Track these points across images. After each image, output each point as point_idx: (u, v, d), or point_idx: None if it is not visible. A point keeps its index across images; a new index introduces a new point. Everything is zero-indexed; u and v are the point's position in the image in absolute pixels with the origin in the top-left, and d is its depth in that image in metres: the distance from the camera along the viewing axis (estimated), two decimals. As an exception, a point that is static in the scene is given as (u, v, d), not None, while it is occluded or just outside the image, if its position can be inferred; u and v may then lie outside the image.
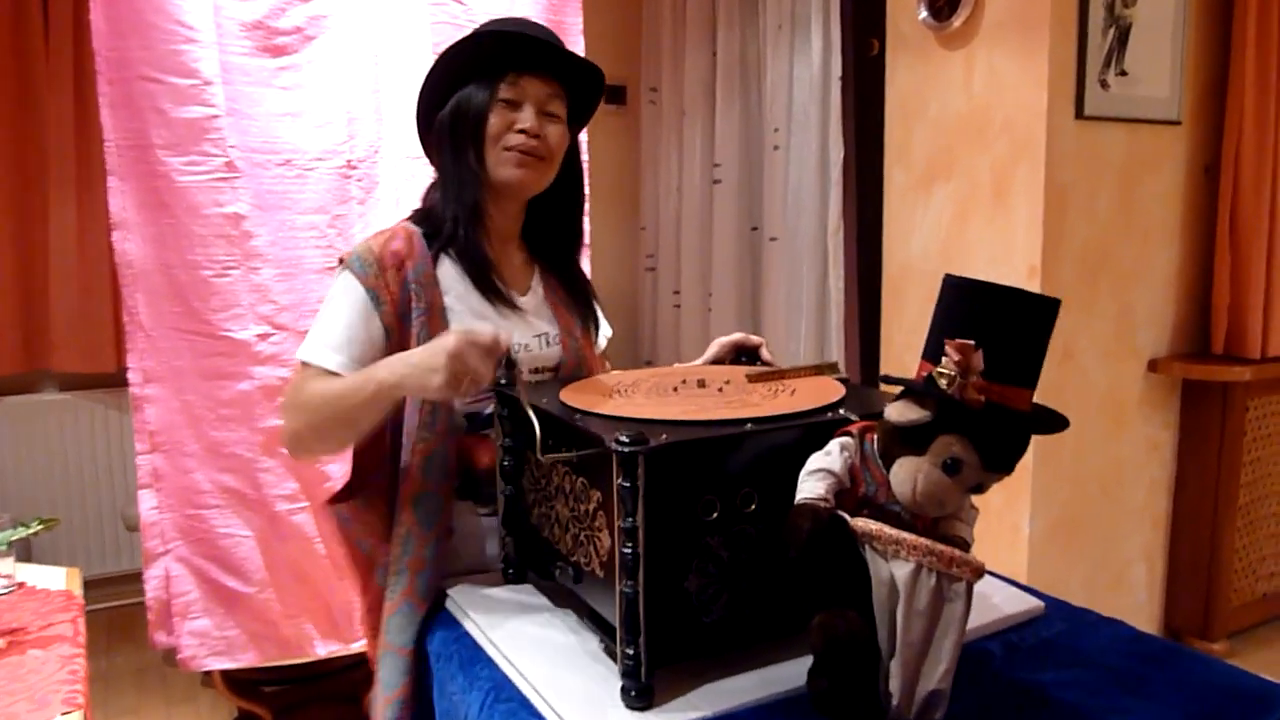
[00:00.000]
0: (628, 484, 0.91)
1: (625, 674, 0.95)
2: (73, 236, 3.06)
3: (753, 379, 1.22)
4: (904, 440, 0.91)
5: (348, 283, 1.28)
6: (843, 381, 1.22)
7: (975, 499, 0.94)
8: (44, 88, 2.97)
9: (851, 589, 0.90)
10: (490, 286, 1.34)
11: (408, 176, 2.10)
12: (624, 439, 0.90)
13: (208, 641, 2.06)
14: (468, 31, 1.39)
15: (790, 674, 0.99)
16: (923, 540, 0.86)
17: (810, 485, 0.93)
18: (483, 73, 1.32)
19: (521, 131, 1.31)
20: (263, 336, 1.99)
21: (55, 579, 1.92)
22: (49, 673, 1.46)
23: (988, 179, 2.50)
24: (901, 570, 0.87)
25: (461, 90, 1.33)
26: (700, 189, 3.49)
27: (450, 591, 1.28)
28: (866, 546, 0.90)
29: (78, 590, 1.89)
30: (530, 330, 1.38)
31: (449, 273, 1.33)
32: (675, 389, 1.19)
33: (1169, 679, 1.01)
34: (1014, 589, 1.23)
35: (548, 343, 1.40)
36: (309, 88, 2.03)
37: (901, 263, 2.77)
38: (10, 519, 1.67)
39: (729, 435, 0.97)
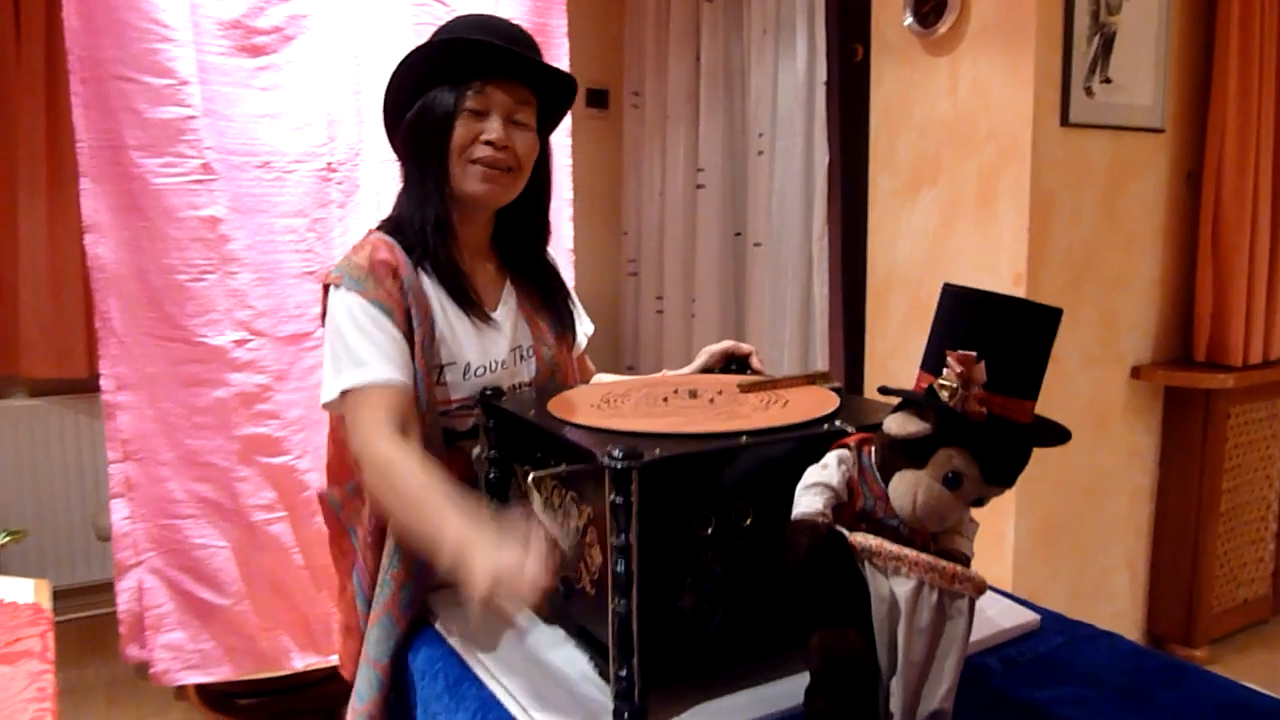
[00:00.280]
0: (621, 500, 0.88)
1: (618, 696, 0.92)
2: (43, 239, 2.99)
3: (745, 388, 1.20)
4: (904, 453, 0.89)
5: (352, 302, 1.21)
6: (835, 391, 1.20)
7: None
8: (14, 86, 2.90)
9: (850, 606, 0.88)
10: (467, 302, 1.30)
11: (389, 180, 2.06)
12: (617, 454, 0.87)
13: (182, 655, 2.01)
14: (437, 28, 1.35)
15: (785, 692, 0.97)
16: (924, 556, 0.84)
17: (808, 500, 0.90)
18: (448, 78, 1.27)
19: (488, 143, 1.27)
20: (239, 343, 1.94)
21: (23, 591, 1.87)
22: (16, 690, 1.41)
23: (973, 185, 2.49)
24: (902, 587, 0.85)
25: (427, 95, 1.28)
26: (683, 194, 3.46)
27: (434, 606, 1.25)
28: (866, 563, 0.87)
29: (47, 603, 1.83)
30: (506, 345, 1.35)
31: (428, 285, 1.29)
32: (665, 399, 1.16)
33: (1172, 697, 0.99)
34: (1008, 601, 1.22)
35: (522, 356, 1.37)
36: (288, 88, 1.99)
37: (886, 269, 2.76)
38: (-24, 530, 1.62)
39: (724, 449, 0.95)
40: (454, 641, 1.16)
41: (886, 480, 0.90)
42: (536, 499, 1.01)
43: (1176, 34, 2.62)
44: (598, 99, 3.77)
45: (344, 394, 1.19)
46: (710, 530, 0.93)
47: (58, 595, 3.03)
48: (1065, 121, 2.39)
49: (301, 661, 2.10)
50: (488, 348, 1.32)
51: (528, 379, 1.37)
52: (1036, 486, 2.48)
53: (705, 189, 3.34)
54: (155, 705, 2.64)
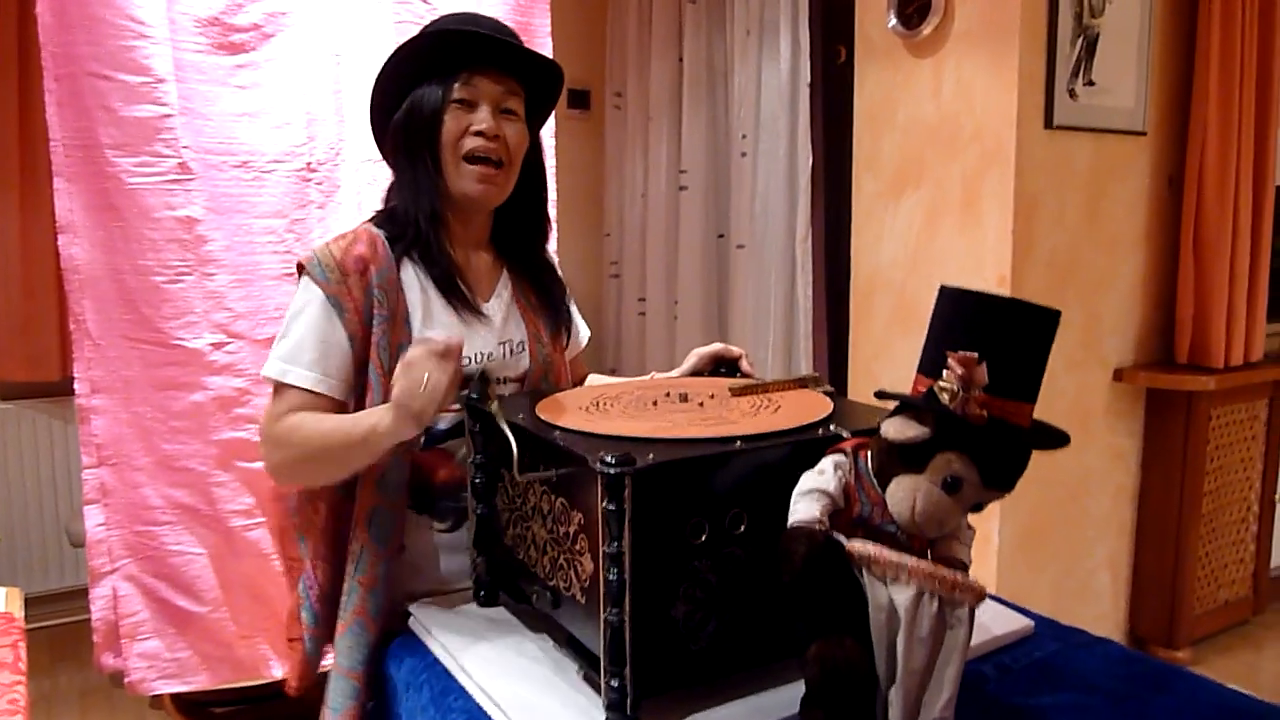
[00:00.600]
0: (613, 507, 0.86)
1: (610, 706, 0.90)
2: (16, 239, 2.93)
3: (736, 392, 1.18)
4: (902, 458, 0.87)
5: (310, 292, 1.23)
6: (828, 394, 1.18)
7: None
8: (-14, 84, 2.85)
9: (847, 615, 0.86)
10: (454, 292, 1.28)
11: (369, 180, 2.03)
12: (609, 459, 0.85)
13: (158, 664, 1.97)
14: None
15: (781, 702, 0.95)
16: (925, 564, 0.83)
17: (804, 506, 0.89)
18: (436, 72, 1.27)
19: (479, 133, 1.26)
20: (217, 345, 1.90)
21: (-6, 600, 1.83)
22: (-13, 702, 1.38)
23: (957, 187, 2.49)
24: (901, 595, 0.83)
25: (415, 90, 1.27)
26: (666, 195, 3.45)
27: (415, 613, 1.23)
28: (864, 571, 0.86)
29: (19, 612, 1.79)
30: (496, 338, 1.33)
31: (411, 277, 1.27)
32: (656, 403, 1.14)
33: (1166, 702, 0.98)
34: (1001, 607, 1.21)
35: (513, 350, 1.35)
36: (267, 87, 1.95)
37: (870, 271, 2.75)
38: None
39: (718, 454, 0.93)
40: (439, 652, 1.13)
41: (884, 485, 0.89)
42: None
43: (1158, 37, 2.63)
44: (580, 99, 3.75)
45: (276, 383, 1.24)
46: (704, 537, 0.91)
47: (30, 602, 2.98)
48: (1049, 124, 2.40)
49: (280, 670, 2.05)
50: (475, 340, 1.30)
51: (517, 374, 1.35)
52: (1021, 488, 2.44)
53: (688, 190, 3.33)
54: (130, 714, 2.59)
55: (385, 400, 1.19)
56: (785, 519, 0.89)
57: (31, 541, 3.10)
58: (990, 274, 2.42)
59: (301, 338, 1.22)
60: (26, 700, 1.46)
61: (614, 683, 0.89)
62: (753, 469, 0.95)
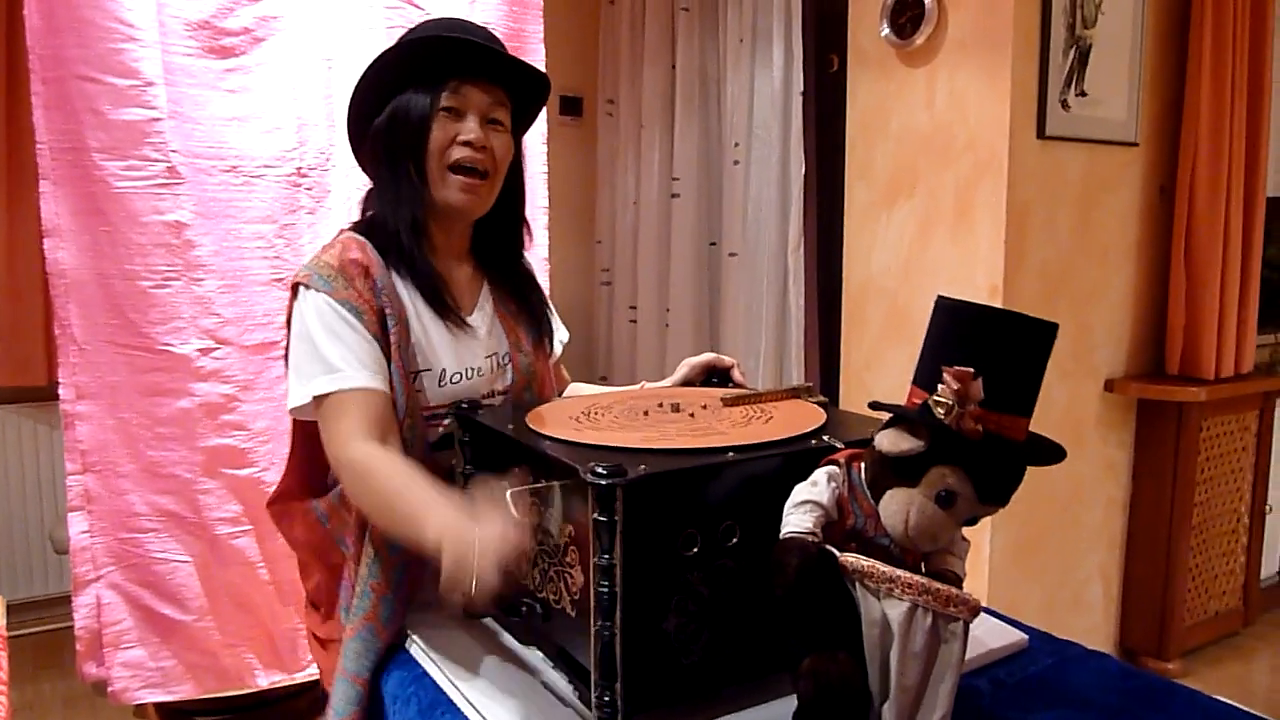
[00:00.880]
0: (604, 518, 0.85)
1: (600, 721, 0.89)
2: (2, 243, 2.91)
3: (728, 402, 1.17)
4: (895, 471, 0.86)
5: (321, 303, 1.17)
6: (820, 405, 1.17)
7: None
8: (-27, 86, 2.83)
9: (841, 629, 0.85)
10: (442, 305, 1.26)
11: (360, 185, 1.98)
12: (601, 470, 0.84)
13: (141, 673, 1.95)
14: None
15: (773, 716, 0.94)
16: (918, 578, 0.82)
17: (797, 519, 0.88)
18: (422, 79, 1.23)
19: (466, 144, 1.23)
20: (204, 351, 1.89)
21: (-25, 608, 1.80)
22: (-34, 713, 1.36)
23: (950, 197, 2.49)
24: (895, 610, 0.82)
25: (399, 97, 1.24)
26: (658, 203, 3.44)
27: (407, 627, 1.21)
28: (857, 584, 0.84)
29: (0, 619, 1.77)
30: (482, 351, 1.31)
31: (401, 288, 1.25)
32: (647, 413, 1.13)
33: (1161, 718, 0.97)
34: (995, 620, 1.20)
35: (499, 363, 1.33)
36: (257, 91, 1.94)
37: (862, 280, 2.75)
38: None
39: (710, 465, 0.92)
40: (428, 664, 1.11)
41: (877, 498, 0.88)
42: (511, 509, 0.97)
43: (1151, 48, 2.64)
44: (572, 107, 3.74)
45: (317, 400, 1.15)
46: (696, 549, 0.90)
47: (14, 609, 2.95)
48: (1041, 134, 2.40)
49: (266, 679, 2.04)
50: (464, 354, 1.28)
51: (504, 387, 1.33)
52: (1013, 500, 2.46)
53: (680, 198, 3.32)
54: (114, 724, 2.57)
55: (407, 400, 1.18)
56: (778, 531, 0.88)
57: (15, 548, 3.07)
58: (982, 284, 2.42)
59: (331, 347, 1.15)
60: (7, 710, 1.43)
61: (605, 697, 0.88)
62: (745, 480, 0.93)
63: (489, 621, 1.19)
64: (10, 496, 3.05)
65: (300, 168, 1.99)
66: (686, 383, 1.39)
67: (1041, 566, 2.61)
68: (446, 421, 1.23)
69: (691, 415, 1.11)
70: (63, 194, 1.80)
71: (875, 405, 0.91)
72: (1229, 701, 1.02)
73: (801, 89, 2.85)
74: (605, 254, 3.76)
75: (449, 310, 1.27)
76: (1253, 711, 0.99)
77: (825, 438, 1.00)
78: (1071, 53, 2.42)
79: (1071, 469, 2.64)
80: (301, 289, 1.20)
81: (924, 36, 2.48)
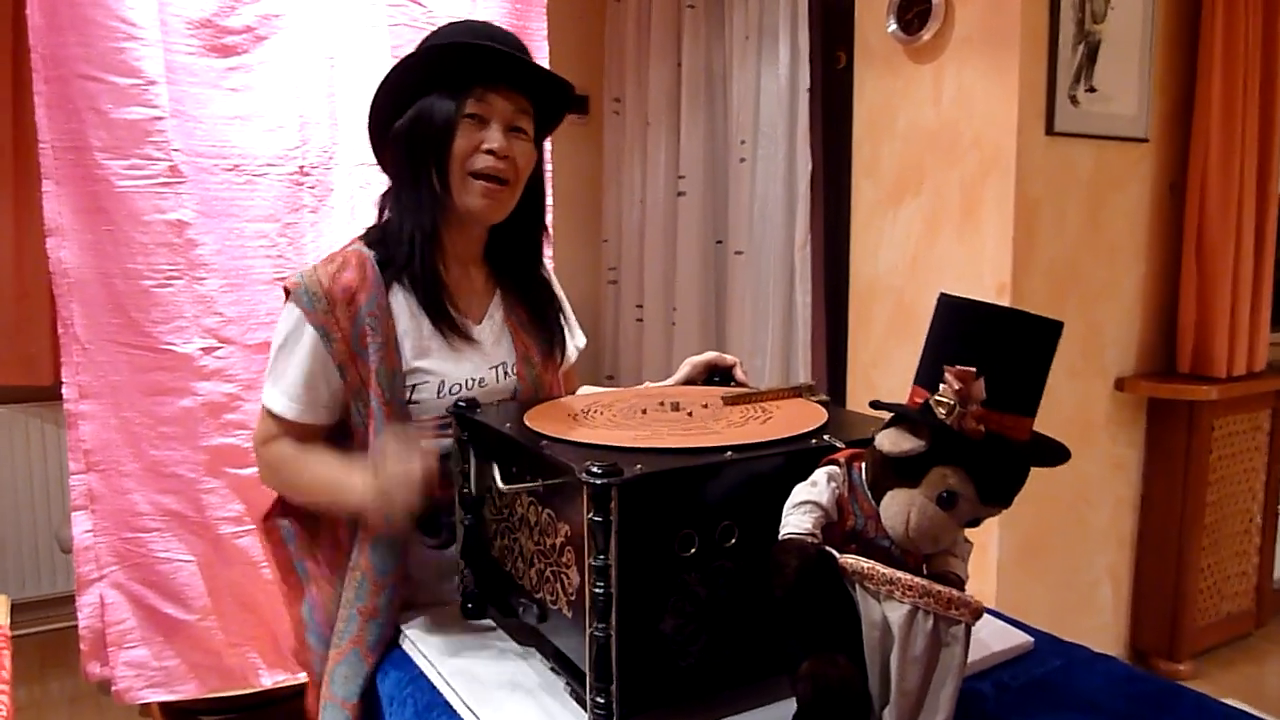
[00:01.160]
0: (599, 518, 0.83)
1: (595, 724, 0.87)
2: (9, 242, 2.92)
3: (729, 401, 1.16)
4: (896, 471, 0.85)
5: (295, 320, 1.20)
6: (822, 404, 1.16)
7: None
8: (-20, 86, 2.84)
9: (840, 631, 0.83)
10: (444, 319, 1.25)
11: (362, 184, 2.02)
12: (595, 469, 0.83)
13: (145, 672, 1.94)
14: (427, 34, 1.30)
15: (771, 718, 0.93)
16: (918, 580, 0.80)
17: (796, 519, 0.86)
18: (445, 84, 1.22)
19: (490, 152, 1.22)
20: (207, 350, 1.88)
21: (-20, 607, 1.80)
22: (-33, 713, 1.35)
23: (957, 194, 2.47)
24: (895, 612, 0.81)
25: (422, 102, 1.23)
26: (664, 201, 3.43)
27: (404, 627, 1.20)
28: (857, 586, 0.83)
29: (4, 619, 1.77)
30: (486, 362, 1.30)
31: (401, 304, 1.24)
32: (646, 412, 1.12)
33: (1169, 722, 0.96)
34: (1000, 622, 1.18)
35: (504, 374, 1.31)
36: (260, 90, 1.93)
37: (869, 279, 2.73)
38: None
39: (708, 464, 0.90)
40: (424, 666, 1.10)
41: (878, 499, 0.86)
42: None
43: (1161, 43, 2.61)
44: (578, 105, 3.73)
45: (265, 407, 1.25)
46: (693, 550, 0.89)
47: (21, 607, 2.96)
48: (1050, 130, 2.38)
49: (270, 679, 2.03)
50: (465, 364, 1.27)
51: (505, 397, 1.32)
52: (1021, 500, 2.43)
53: (686, 196, 3.31)
54: (119, 723, 2.57)
55: (400, 415, 1.20)
56: (777, 532, 0.87)
57: (24, 547, 3.08)
58: (990, 282, 2.40)
59: (286, 366, 1.21)
60: (10, 709, 1.43)
61: (600, 699, 0.87)
62: (744, 480, 0.92)
63: (487, 622, 1.18)
64: (18, 495, 3.06)
65: (303, 166, 1.98)
66: (689, 381, 1.38)
67: (1049, 567, 2.58)
68: (449, 431, 1.22)
69: (690, 414, 1.10)
70: (65, 193, 1.80)
71: (876, 404, 0.90)
72: (1238, 705, 1.00)
73: (808, 86, 2.83)
74: (611, 253, 3.75)
75: (451, 321, 1.25)
76: (1263, 715, 0.98)
77: (826, 437, 0.99)
78: (1080, 48, 2.40)
79: (1080, 469, 2.62)
80: (289, 295, 1.22)
81: (931, 33, 2.46)
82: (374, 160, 1.37)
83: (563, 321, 1.43)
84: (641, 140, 3.52)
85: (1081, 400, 2.61)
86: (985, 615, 1.17)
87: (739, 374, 1.37)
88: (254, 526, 1.96)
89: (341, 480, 1.15)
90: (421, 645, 1.14)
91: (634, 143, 3.56)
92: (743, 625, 0.93)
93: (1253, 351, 2.76)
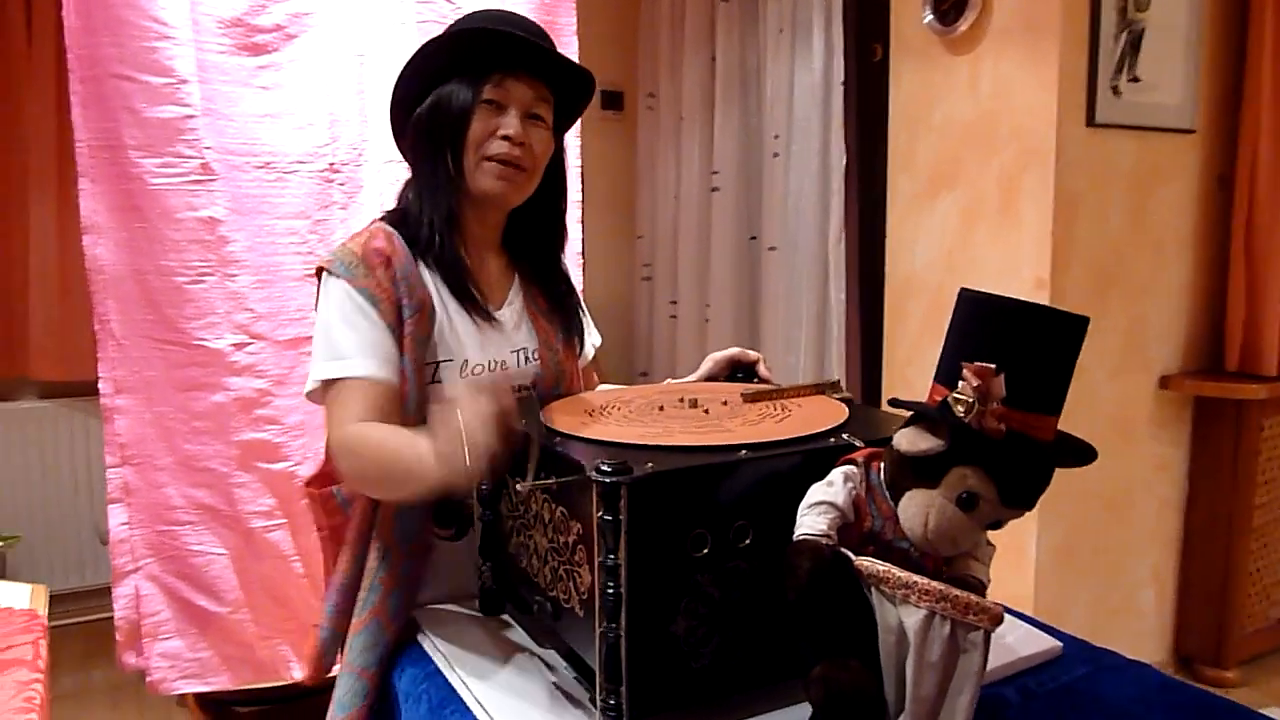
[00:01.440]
0: (609, 517, 0.82)
1: (605, 726, 0.86)
2: (53, 239, 2.98)
3: (749, 398, 1.14)
4: (915, 471, 0.82)
5: (340, 290, 1.18)
6: (845, 401, 1.14)
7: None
8: (25, 87, 2.89)
9: (855, 635, 0.81)
10: (468, 297, 1.25)
11: (392, 180, 2.02)
12: (605, 467, 0.82)
13: (179, 663, 1.97)
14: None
15: (786, 724, 0.91)
16: (935, 584, 0.78)
17: (811, 520, 0.84)
18: (465, 70, 1.23)
19: (505, 138, 1.22)
20: (238, 346, 1.90)
21: (19, 597, 1.84)
22: (4, 699, 1.38)
23: (995, 188, 2.42)
24: (911, 617, 0.78)
25: (442, 87, 1.23)
26: (698, 197, 3.40)
27: (421, 623, 1.20)
28: (872, 589, 0.81)
29: (42, 609, 1.80)
30: (508, 345, 1.29)
31: (428, 279, 1.24)
32: (662, 408, 1.10)
33: (1203, 734, 0.92)
34: (1028, 626, 1.15)
35: (526, 358, 1.31)
36: (290, 88, 1.95)
37: (905, 274, 2.69)
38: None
39: (721, 463, 0.89)
40: (440, 662, 1.10)
41: (896, 500, 0.84)
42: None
43: (1208, 30, 2.53)
44: (613, 101, 3.72)
45: (325, 385, 1.17)
46: (706, 550, 0.87)
47: (63, 599, 3.02)
48: (1091, 122, 2.32)
49: (300, 672, 2.05)
50: (488, 346, 1.27)
51: (527, 382, 1.32)
52: (1059, 500, 2.40)
53: (720, 192, 3.28)
54: (158, 711, 2.61)
55: (419, 394, 1.18)
56: (792, 532, 0.85)
57: (67, 538, 3.14)
58: (1028, 276, 2.35)
59: (344, 335, 1.16)
60: (43, 698, 1.45)
61: (610, 700, 0.86)
62: (759, 479, 0.90)
63: (504, 619, 1.17)
64: (61, 488, 3.12)
65: (333, 163, 2.00)
66: (711, 378, 1.36)
67: (1090, 570, 2.52)
68: None
69: (706, 411, 1.08)
70: (100, 191, 1.83)
71: (895, 402, 0.87)
72: (1273, 711, 0.97)
73: (842, 79, 2.79)
74: (646, 249, 3.73)
75: (474, 301, 1.25)
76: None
77: (845, 436, 0.97)
78: (1123, 37, 2.33)
79: (1123, 469, 2.55)
80: (325, 274, 1.20)
81: (968, 23, 2.41)
82: (401, 155, 1.38)
83: (581, 313, 1.42)
84: (675, 136, 3.50)
85: (1124, 398, 2.54)
86: (1013, 619, 1.15)
87: (762, 370, 1.35)
88: (284, 521, 1.98)
89: (419, 441, 1.00)
90: (438, 641, 1.13)
91: (668, 138, 3.54)
92: (757, 627, 0.91)
93: (1304, 349, 2.67)
